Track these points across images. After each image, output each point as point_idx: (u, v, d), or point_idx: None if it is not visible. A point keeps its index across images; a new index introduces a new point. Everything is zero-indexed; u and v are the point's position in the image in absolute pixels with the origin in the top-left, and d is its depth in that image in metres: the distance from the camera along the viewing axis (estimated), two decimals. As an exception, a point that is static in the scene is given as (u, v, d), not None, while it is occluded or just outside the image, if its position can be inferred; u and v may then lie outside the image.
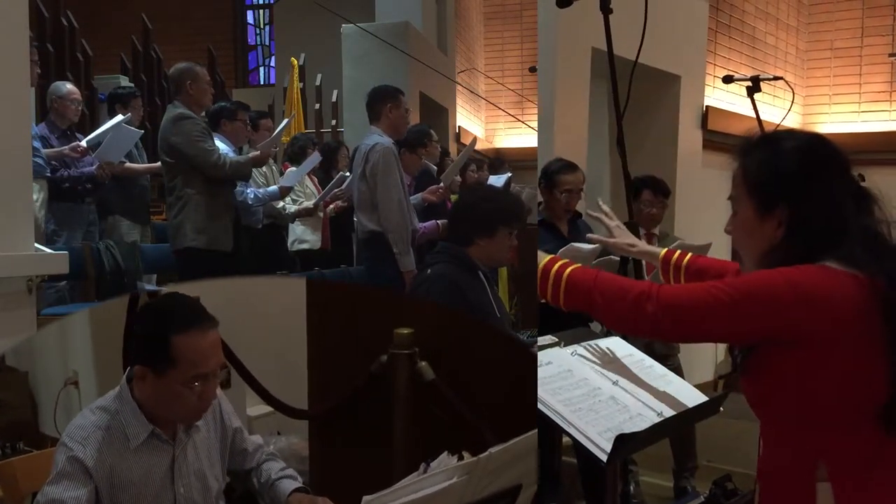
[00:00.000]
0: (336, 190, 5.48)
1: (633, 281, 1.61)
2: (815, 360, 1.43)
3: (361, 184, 4.02)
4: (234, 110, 4.93)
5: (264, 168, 5.13)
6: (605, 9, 2.36)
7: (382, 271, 4.00)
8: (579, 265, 1.68)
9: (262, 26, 14.26)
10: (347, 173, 5.60)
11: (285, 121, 5.70)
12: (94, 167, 5.00)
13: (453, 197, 5.79)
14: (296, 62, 9.35)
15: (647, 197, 4.02)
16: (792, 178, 1.52)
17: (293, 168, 5.35)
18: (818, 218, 1.49)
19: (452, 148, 8.96)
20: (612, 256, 3.32)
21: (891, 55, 7.66)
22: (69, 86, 5.21)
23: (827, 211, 1.49)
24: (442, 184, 4.72)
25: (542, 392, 2.13)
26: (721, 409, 2.36)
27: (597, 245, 3.41)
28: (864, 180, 1.59)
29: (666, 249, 2.15)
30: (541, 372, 2.24)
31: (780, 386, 1.48)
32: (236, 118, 4.88)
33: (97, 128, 5.90)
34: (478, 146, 10.38)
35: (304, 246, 5.56)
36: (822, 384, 1.44)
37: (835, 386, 1.43)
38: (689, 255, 2.11)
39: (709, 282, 1.56)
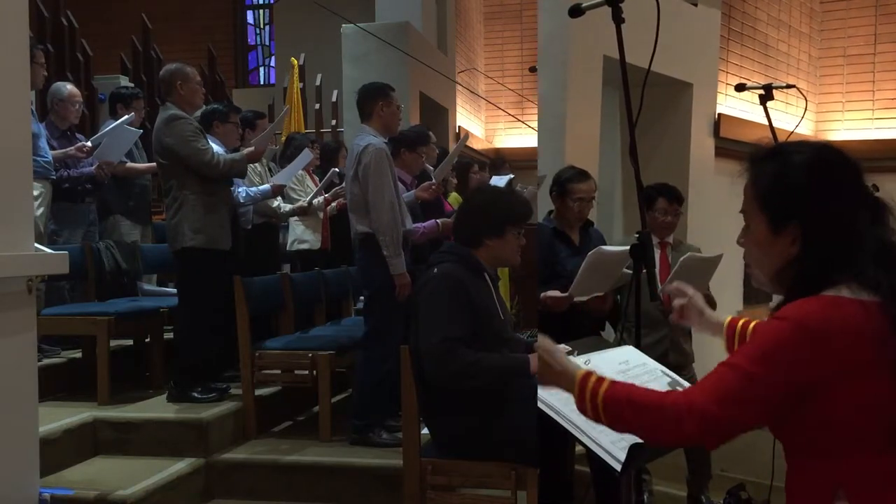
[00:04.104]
0: (336, 188, 5.48)
1: (663, 395, 1.50)
2: (829, 394, 1.42)
3: (354, 185, 3.99)
4: (227, 112, 4.94)
5: (259, 167, 5.13)
6: (618, 18, 2.36)
7: (374, 274, 3.97)
8: (613, 381, 1.56)
9: (262, 26, 14.25)
10: (337, 169, 5.60)
11: (279, 115, 5.71)
12: (93, 167, 5.01)
13: (452, 197, 5.81)
14: (296, 62, 9.35)
15: (661, 205, 3.99)
16: (805, 194, 1.48)
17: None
18: (833, 234, 1.46)
19: (453, 148, 8.95)
20: (624, 270, 3.32)
21: (905, 61, 7.66)
22: (70, 87, 5.21)
23: (842, 226, 1.46)
24: (434, 180, 4.70)
25: (556, 401, 2.13)
26: None
27: (626, 248, 3.42)
28: (878, 190, 1.55)
29: (730, 318, 2.01)
30: None
31: (798, 419, 1.47)
32: (228, 120, 4.89)
33: (97, 128, 5.90)
34: (478, 146, 10.39)
35: (304, 246, 5.56)
36: (838, 415, 1.43)
37: (851, 415, 1.42)
38: (754, 323, 1.95)
39: (725, 365, 1.45)
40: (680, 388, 2.17)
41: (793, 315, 1.42)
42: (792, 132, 3.62)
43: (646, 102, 2.46)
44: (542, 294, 3.37)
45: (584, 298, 3.36)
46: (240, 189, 4.82)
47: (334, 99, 9.27)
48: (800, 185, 1.49)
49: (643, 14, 2.45)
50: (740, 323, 1.97)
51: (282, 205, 5.33)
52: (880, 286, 1.42)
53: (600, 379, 1.57)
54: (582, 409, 1.58)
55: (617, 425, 1.56)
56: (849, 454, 1.44)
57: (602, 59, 4.96)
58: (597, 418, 1.56)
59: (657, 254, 4.00)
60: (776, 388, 1.41)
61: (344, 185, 5.24)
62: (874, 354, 1.40)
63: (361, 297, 4.74)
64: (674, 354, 3.77)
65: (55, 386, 4.41)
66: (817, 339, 1.39)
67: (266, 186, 5.01)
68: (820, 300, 1.43)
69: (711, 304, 3.91)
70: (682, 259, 3.63)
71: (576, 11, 2.48)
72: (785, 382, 1.41)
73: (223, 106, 5.11)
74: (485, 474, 2.88)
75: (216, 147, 4.57)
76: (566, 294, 3.32)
